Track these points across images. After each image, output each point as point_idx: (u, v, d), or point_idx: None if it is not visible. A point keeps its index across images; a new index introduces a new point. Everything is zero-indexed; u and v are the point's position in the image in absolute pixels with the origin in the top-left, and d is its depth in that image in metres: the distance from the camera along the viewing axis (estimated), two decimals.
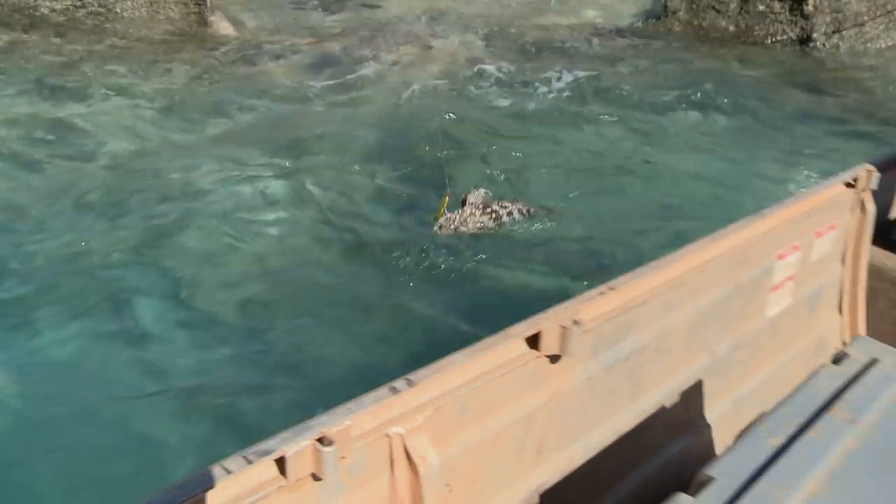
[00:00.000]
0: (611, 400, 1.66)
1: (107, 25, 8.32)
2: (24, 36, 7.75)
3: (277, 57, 7.98)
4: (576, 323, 1.42)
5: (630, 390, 1.72)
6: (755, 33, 8.42)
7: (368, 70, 7.76)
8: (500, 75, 7.66)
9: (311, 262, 4.30)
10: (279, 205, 4.94)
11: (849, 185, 2.34)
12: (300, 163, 5.50)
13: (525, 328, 1.38)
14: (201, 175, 5.31)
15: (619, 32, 9.02)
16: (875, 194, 2.40)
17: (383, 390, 1.27)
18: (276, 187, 5.14)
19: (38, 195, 4.92)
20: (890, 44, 8.59)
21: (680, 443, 1.84)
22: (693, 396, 1.88)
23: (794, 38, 8.36)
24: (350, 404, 1.24)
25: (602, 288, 1.53)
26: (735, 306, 2.00)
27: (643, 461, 1.78)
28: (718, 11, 8.27)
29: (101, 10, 8.53)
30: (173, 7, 8.75)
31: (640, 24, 9.22)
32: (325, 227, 4.61)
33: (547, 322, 1.40)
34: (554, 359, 1.45)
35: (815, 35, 8.21)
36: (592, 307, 1.50)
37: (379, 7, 10.13)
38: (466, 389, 1.37)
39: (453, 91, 7.20)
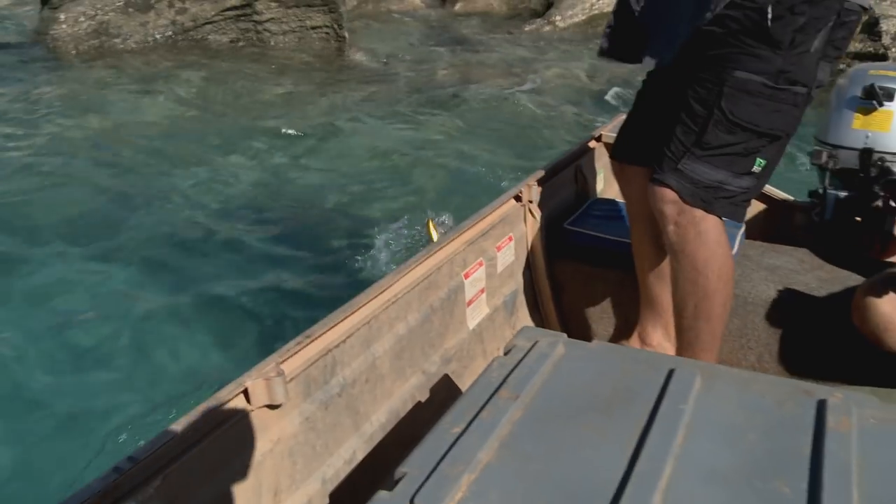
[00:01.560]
0: (335, 433, 1.75)
1: (262, 55, 9.86)
2: (192, 60, 9.37)
3: (399, 84, 9.23)
4: (279, 374, 1.51)
5: (352, 421, 1.74)
6: None
7: (469, 100, 8.89)
8: None
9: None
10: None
11: (517, 198, 2.55)
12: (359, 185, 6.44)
13: (234, 388, 1.46)
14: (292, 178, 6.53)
15: None
16: (541, 204, 2.62)
17: (108, 472, 1.26)
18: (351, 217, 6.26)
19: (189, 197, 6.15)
20: None
21: None
22: (415, 413, 1.97)
23: None
24: (79, 492, 1.22)
25: (300, 338, 1.62)
26: (436, 326, 2.14)
27: (380, 482, 1.81)
28: None
29: (259, 43, 10.10)
30: (317, 41, 10.24)
31: None
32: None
33: (251, 379, 1.48)
34: (271, 407, 1.55)
35: None
36: (295, 357, 1.61)
37: (513, 51, 11.30)
38: (192, 453, 1.39)
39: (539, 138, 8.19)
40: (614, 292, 2.58)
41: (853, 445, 1.19)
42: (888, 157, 2.63)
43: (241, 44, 9.97)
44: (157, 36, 9.51)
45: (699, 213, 1.92)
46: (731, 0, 1.81)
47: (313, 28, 10.31)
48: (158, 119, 7.42)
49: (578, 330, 2.67)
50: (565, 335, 1.54)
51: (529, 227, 2.62)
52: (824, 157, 2.73)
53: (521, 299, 2.63)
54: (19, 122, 7.19)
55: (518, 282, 2.62)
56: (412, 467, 1.20)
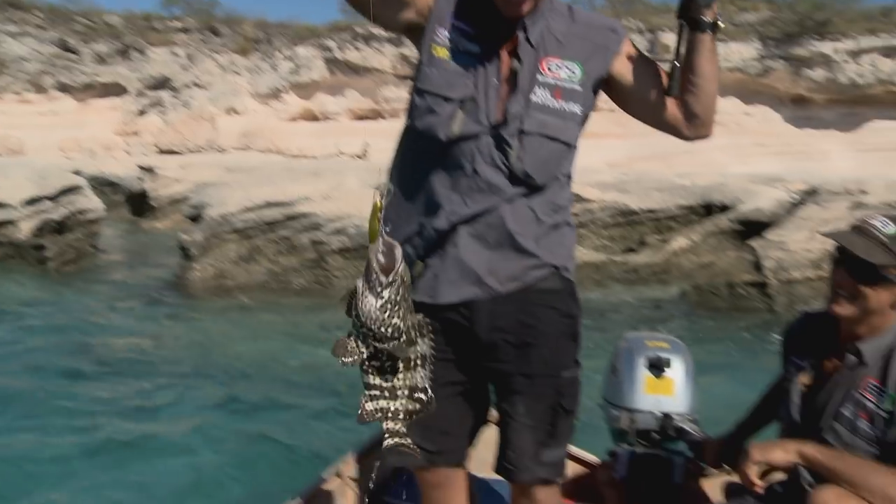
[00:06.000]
0: None
1: (329, 294, 13.62)
2: (277, 297, 13.17)
3: None
4: None
5: None
6: None
7: None
8: None
9: None
10: None
11: (337, 474, 2.59)
12: None
13: None
14: None
15: None
16: (360, 479, 2.65)
17: None
18: None
19: None
20: None
21: None
22: None
23: None
24: None
25: None
26: None
27: None
28: None
29: (328, 285, 13.92)
30: None
31: None
32: None
33: None
34: None
35: None
36: None
37: None
38: None
39: None
40: None
41: None
42: (677, 417, 2.90)
43: (314, 285, 13.86)
44: (257, 279, 13.55)
45: (555, 489, 2.21)
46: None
47: None
48: (257, 338, 10.90)
49: None
50: None
51: (350, 502, 2.65)
52: (623, 420, 2.94)
53: None
54: (161, 336, 10.94)
55: None
56: None
